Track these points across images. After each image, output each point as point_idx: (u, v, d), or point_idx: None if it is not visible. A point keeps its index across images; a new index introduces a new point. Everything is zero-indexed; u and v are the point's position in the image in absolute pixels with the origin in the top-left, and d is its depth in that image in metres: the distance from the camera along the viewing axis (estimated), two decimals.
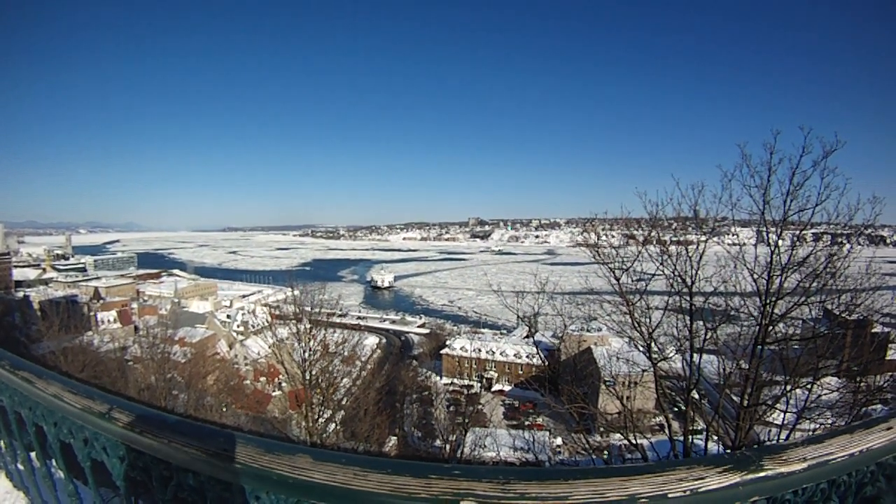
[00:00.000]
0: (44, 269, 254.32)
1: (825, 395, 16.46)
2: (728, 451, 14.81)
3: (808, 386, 15.86)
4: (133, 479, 3.17)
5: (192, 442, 2.67)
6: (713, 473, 2.21)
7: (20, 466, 5.20)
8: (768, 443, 15.73)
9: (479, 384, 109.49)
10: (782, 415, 16.22)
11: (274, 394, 78.55)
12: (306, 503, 2.42)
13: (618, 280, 17.49)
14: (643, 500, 2.10)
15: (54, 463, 4.37)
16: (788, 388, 15.76)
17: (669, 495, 2.12)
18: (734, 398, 16.79)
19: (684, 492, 2.13)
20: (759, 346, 15.40)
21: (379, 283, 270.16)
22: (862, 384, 18.10)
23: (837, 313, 16.31)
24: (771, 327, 15.33)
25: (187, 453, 2.67)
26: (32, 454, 4.79)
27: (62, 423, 3.68)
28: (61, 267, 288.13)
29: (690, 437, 16.77)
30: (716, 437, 16.69)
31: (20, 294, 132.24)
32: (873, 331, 18.85)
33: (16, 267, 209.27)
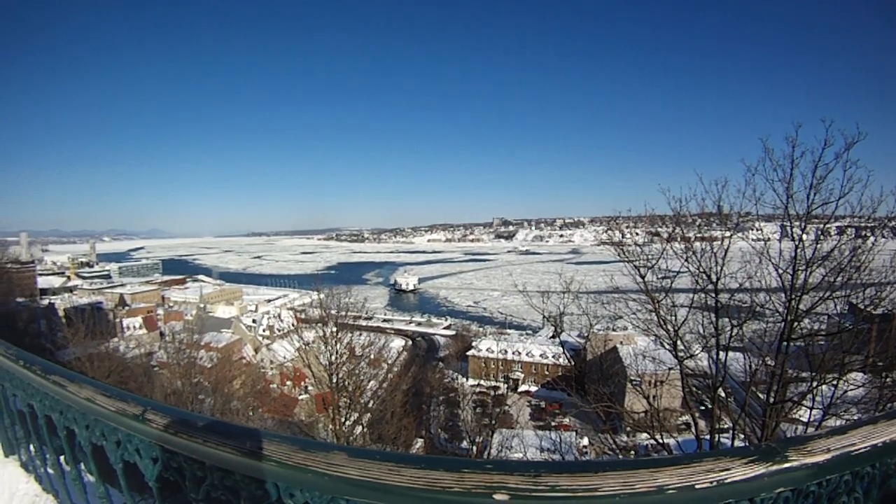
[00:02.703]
0: (68, 277, 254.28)
1: (851, 390, 16.33)
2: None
3: (834, 382, 15.75)
4: (166, 481, 3.17)
5: (227, 441, 2.69)
6: (739, 465, 2.21)
7: (50, 470, 5.30)
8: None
9: (505, 385, 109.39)
10: (808, 411, 16.14)
11: (301, 397, 78.44)
12: (341, 500, 2.44)
13: (643, 278, 17.47)
14: (671, 491, 2.11)
15: (83, 466, 4.48)
16: (814, 384, 15.66)
17: (697, 486, 2.13)
18: (760, 396, 16.71)
19: (711, 483, 2.14)
20: (785, 343, 15.34)
21: (403, 286, 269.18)
22: (888, 379, 17.91)
23: (862, 307, 16.18)
24: (796, 323, 15.27)
25: (222, 452, 2.70)
26: (62, 458, 4.85)
27: (94, 426, 3.74)
28: (86, 274, 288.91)
29: (717, 435, 16.74)
30: (742, 436, 16.63)
31: (45, 302, 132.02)
32: None
33: (40, 275, 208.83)
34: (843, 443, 2.45)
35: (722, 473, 2.18)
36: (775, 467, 2.25)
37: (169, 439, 2.98)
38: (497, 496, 2.10)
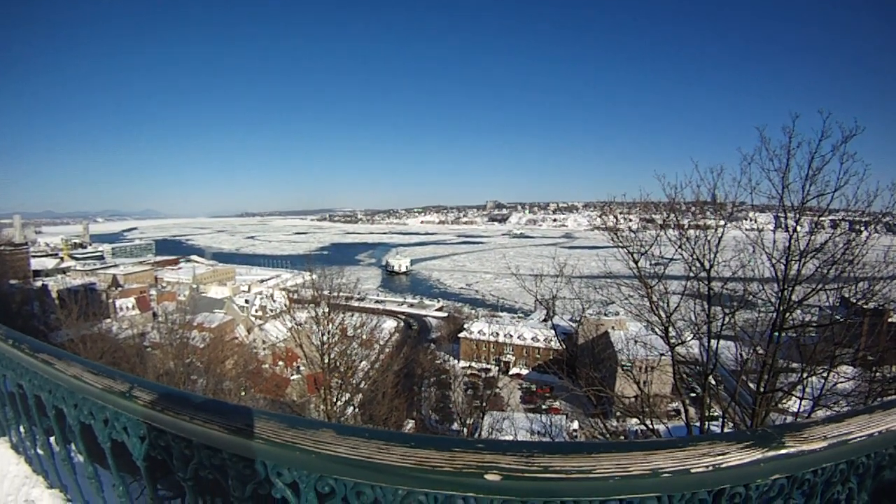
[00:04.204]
0: (61, 259, 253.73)
1: (841, 383, 16.38)
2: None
3: (824, 374, 15.79)
4: (153, 460, 3.18)
5: (215, 418, 2.68)
6: (735, 449, 2.21)
7: (39, 451, 5.24)
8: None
9: (496, 368, 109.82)
10: (798, 402, 16.19)
11: (292, 377, 78.68)
12: (329, 478, 2.43)
13: (636, 263, 17.46)
14: (666, 474, 2.10)
15: (73, 446, 4.43)
16: (805, 375, 15.69)
17: (692, 470, 2.13)
18: (750, 385, 16.76)
19: (706, 467, 2.15)
20: (777, 333, 15.36)
21: (395, 268, 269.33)
22: (877, 374, 17.97)
23: (854, 301, 16.20)
24: (788, 314, 15.27)
25: (209, 430, 2.68)
26: (52, 438, 4.82)
27: (83, 405, 3.72)
28: (79, 255, 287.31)
29: (707, 422, 16.79)
30: (731, 424, 16.68)
31: (38, 283, 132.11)
32: (890, 320, 18.63)
33: (33, 257, 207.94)
34: (840, 431, 2.45)
35: (718, 458, 2.19)
36: (772, 453, 2.24)
37: (156, 417, 2.96)
38: (488, 476, 2.11)
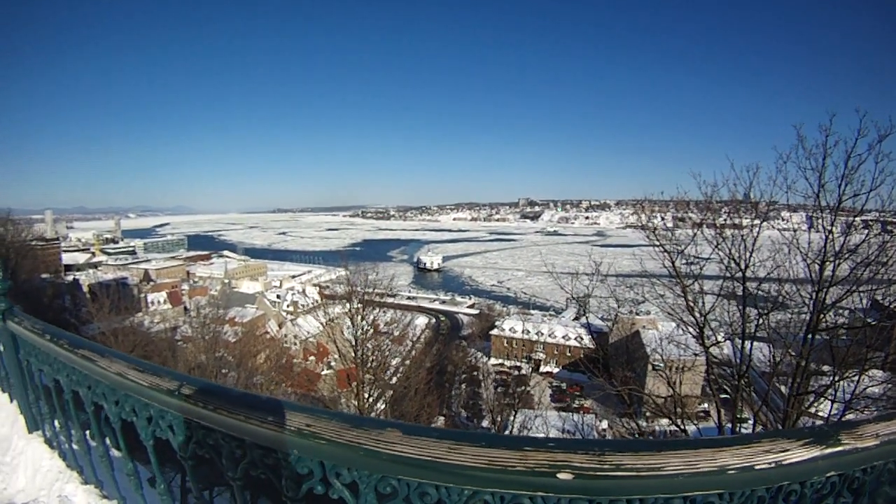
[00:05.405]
0: (93, 254, 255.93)
1: (870, 387, 16.17)
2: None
3: (854, 377, 15.64)
4: (200, 458, 3.16)
5: (270, 417, 2.61)
6: (796, 446, 2.25)
7: (75, 446, 5.25)
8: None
9: (527, 365, 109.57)
10: (830, 405, 16.02)
11: (323, 373, 78.91)
12: (392, 479, 2.39)
13: (673, 263, 17.40)
14: (732, 471, 2.15)
15: (109, 441, 4.53)
16: (837, 378, 15.54)
17: (756, 467, 2.17)
18: (781, 388, 16.64)
19: (769, 464, 2.18)
20: (810, 335, 15.24)
21: (428, 265, 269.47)
22: None
23: (887, 304, 16.01)
24: (822, 315, 15.15)
25: (264, 430, 2.62)
26: (87, 433, 4.85)
27: (124, 401, 3.69)
28: (111, 250, 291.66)
29: (739, 424, 16.72)
30: (761, 427, 16.58)
31: (70, 278, 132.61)
32: None
33: (65, 252, 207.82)
34: (891, 429, 2.44)
35: (780, 454, 2.22)
36: (829, 450, 2.27)
37: (206, 415, 2.95)
38: (561, 475, 2.12)
